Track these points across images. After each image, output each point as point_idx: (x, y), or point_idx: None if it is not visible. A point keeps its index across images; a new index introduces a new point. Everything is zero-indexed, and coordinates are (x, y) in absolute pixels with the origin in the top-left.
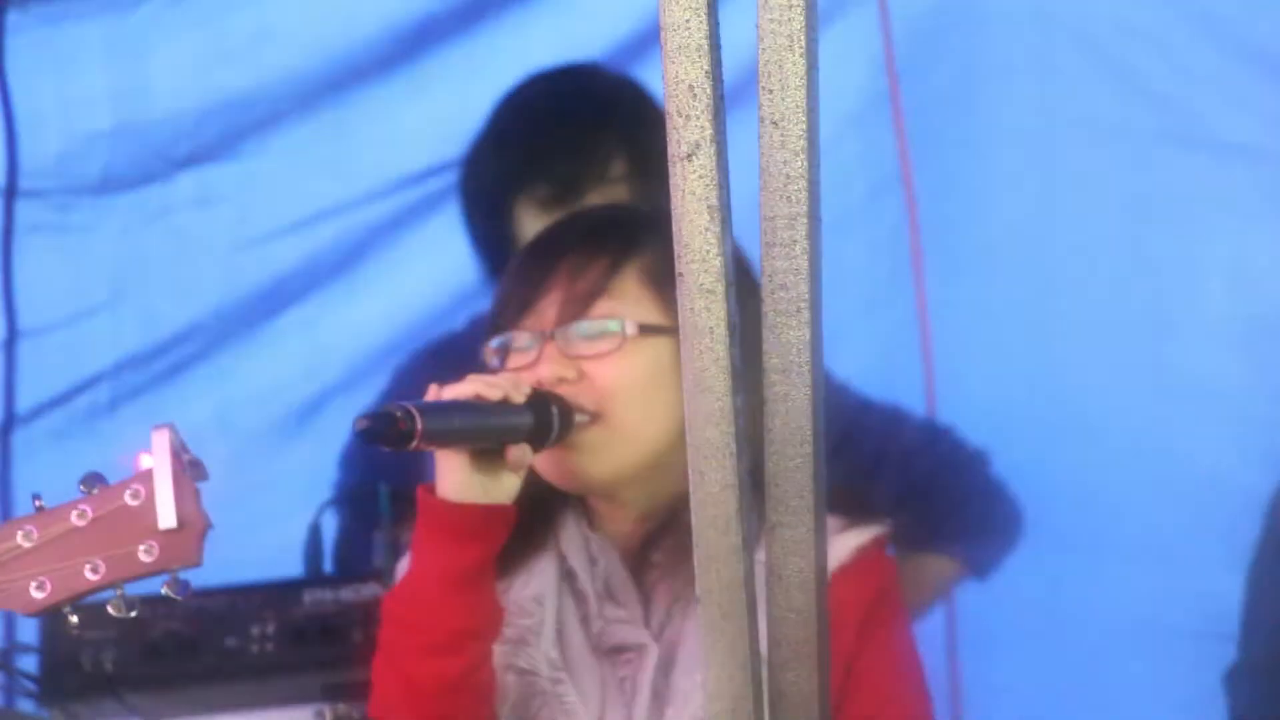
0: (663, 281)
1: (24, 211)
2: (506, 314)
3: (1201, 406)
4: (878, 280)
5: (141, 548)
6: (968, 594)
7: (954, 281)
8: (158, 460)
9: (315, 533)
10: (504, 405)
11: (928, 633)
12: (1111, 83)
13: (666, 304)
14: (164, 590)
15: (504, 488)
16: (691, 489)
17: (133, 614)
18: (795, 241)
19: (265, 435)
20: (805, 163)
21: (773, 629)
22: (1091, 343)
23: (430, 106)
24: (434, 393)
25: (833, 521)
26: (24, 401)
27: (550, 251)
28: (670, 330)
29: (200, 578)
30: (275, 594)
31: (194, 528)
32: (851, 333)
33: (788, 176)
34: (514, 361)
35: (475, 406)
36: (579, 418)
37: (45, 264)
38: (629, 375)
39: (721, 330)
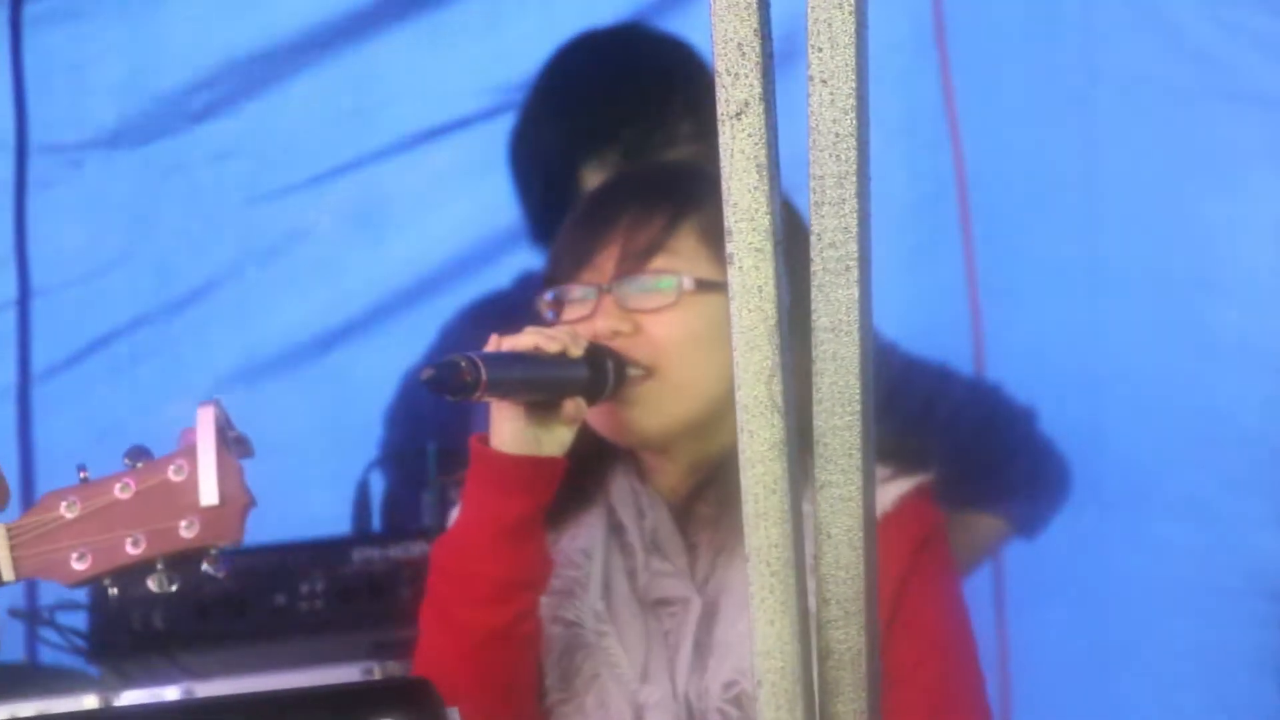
0: (719, 239)
1: (37, 167)
2: (563, 266)
3: (1247, 364)
4: (925, 238)
5: (183, 523)
6: (1014, 552)
7: (1001, 239)
8: (201, 436)
9: (363, 491)
10: (561, 358)
11: (975, 591)
12: (1157, 37)
13: (722, 261)
14: (205, 567)
15: (557, 440)
16: (740, 447)
17: (173, 588)
18: (845, 200)
19: (287, 387)
20: (855, 121)
21: (821, 587)
22: (1137, 300)
23: (450, 59)
24: (494, 343)
25: (879, 471)
26: (40, 359)
27: (609, 206)
28: (726, 287)
29: (247, 535)
30: (324, 552)
31: (236, 504)
32: (898, 291)
33: (837, 135)
34: (569, 314)
35: (534, 358)
36: (633, 371)
37: (59, 220)
38: (684, 330)
39: (770, 288)
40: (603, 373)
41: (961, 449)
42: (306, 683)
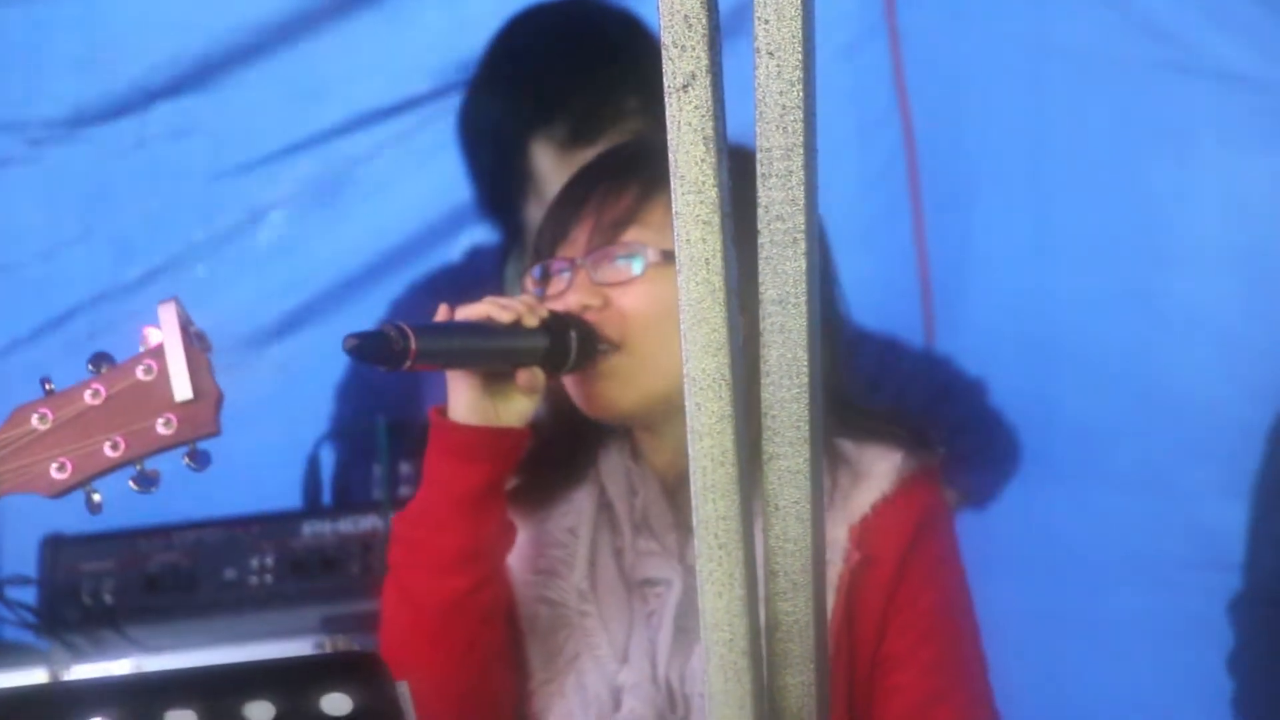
0: None
1: None
2: (544, 243)
3: (1196, 336)
4: (875, 211)
5: (160, 421)
6: (964, 523)
7: (951, 211)
8: (167, 333)
9: (313, 465)
10: (516, 328)
11: None
12: (1108, 10)
13: None
14: (185, 462)
15: (515, 410)
16: (688, 420)
17: (153, 489)
18: (792, 173)
19: (244, 365)
20: (801, 93)
21: (769, 559)
22: (1088, 272)
23: (407, 38)
24: (444, 313)
25: (878, 449)
26: None
27: (586, 183)
28: None
29: (194, 510)
30: (274, 526)
31: (209, 397)
32: (849, 264)
33: (784, 107)
34: (551, 289)
35: (483, 328)
36: (601, 346)
37: (17, 198)
38: (651, 303)
39: (718, 261)
40: (564, 343)
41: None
42: (257, 657)
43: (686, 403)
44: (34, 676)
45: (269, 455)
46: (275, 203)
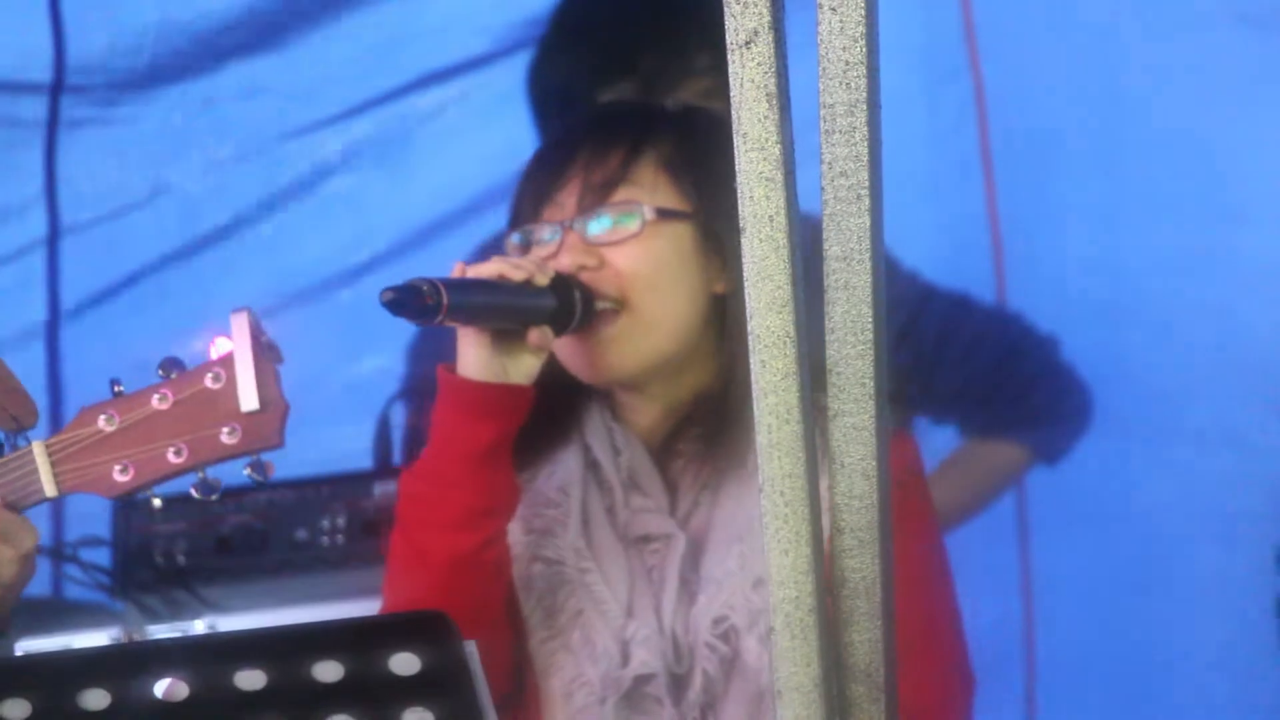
0: (680, 168)
1: (68, 106)
2: (526, 207)
3: (1267, 288)
4: (946, 167)
5: (224, 430)
6: (1038, 480)
7: (1022, 167)
8: (238, 343)
9: (384, 425)
10: (527, 287)
11: (999, 518)
12: None
13: (684, 190)
14: (246, 472)
15: (523, 368)
16: (753, 378)
17: (214, 497)
18: (855, 128)
19: (312, 323)
20: (864, 48)
21: (835, 516)
22: (1161, 228)
23: None
24: (459, 270)
25: None
26: (70, 296)
27: (568, 144)
28: (689, 215)
29: None
30: (345, 486)
31: (275, 409)
32: (920, 220)
33: (847, 63)
34: (536, 254)
35: (499, 286)
36: (601, 304)
37: (88, 158)
38: (649, 260)
39: (782, 218)
40: (570, 302)
41: (983, 377)
42: (327, 616)
43: (750, 360)
44: (108, 637)
45: (338, 416)
46: (342, 161)
